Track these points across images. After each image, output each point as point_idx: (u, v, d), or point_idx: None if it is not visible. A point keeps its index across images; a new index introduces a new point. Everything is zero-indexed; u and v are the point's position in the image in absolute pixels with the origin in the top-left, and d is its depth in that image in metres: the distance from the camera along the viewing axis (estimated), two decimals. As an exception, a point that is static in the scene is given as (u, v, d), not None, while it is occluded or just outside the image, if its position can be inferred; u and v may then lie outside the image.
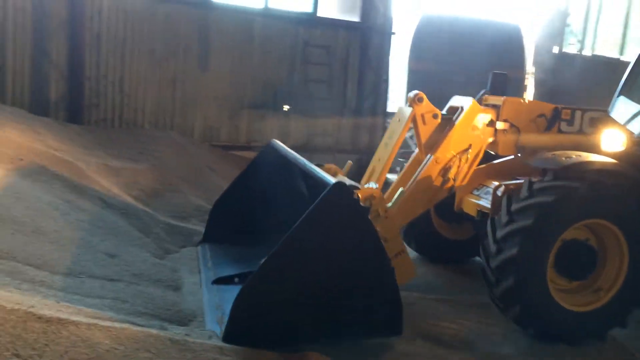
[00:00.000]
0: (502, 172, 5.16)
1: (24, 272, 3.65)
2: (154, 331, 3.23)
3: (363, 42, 10.98)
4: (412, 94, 4.76)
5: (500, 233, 4.17)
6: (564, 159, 4.31)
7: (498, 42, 11.59)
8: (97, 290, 3.80)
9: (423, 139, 4.82)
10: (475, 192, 5.14)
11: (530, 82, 14.06)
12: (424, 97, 4.75)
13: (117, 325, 3.10)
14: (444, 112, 5.01)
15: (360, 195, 3.89)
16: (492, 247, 4.19)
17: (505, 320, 4.49)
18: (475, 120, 4.88)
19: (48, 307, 3.00)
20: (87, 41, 8.87)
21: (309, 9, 10.57)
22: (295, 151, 4.85)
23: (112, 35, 9.11)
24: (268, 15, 10.16)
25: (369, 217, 3.86)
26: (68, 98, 8.91)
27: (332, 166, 5.04)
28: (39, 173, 5.90)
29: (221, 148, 9.94)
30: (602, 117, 5.19)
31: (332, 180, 3.51)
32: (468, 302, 5.10)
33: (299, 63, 10.59)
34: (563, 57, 14.44)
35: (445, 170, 4.73)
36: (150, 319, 3.54)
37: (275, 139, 5.52)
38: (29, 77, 8.67)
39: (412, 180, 4.80)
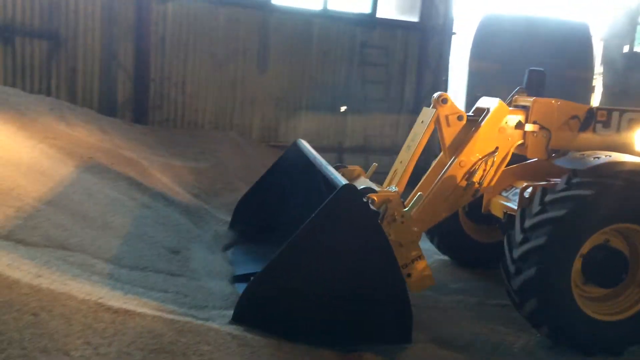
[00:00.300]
0: (533, 173, 4.96)
1: (94, 265, 3.81)
2: (214, 325, 3.31)
3: (422, 42, 10.85)
4: (436, 94, 4.64)
5: (529, 222, 4.01)
6: (592, 159, 4.10)
7: (564, 41, 11.14)
8: (160, 284, 3.92)
9: (447, 142, 4.68)
10: (504, 194, 4.98)
11: (598, 83, 13.46)
12: (449, 98, 4.63)
13: (179, 318, 3.19)
14: (470, 113, 4.86)
15: (375, 199, 3.84)
16: (518, 236, 4.04)
17: (526, 329, 4.30)
18: (502, 122, 4.70)
19: (116, 298, 3.12)
20: (152, 44, 9.19)
21: (367, 10, 10.54)
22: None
23: (176, 38, 9.40)
24: (326, 16, 10.21)
25: (384, 221, 3.84)
26: (134, 99, 9.27)
27: (357, 168, 5.02)
28: (107, 171, 6.17)
29: (278, 148, 10.07)
30: None
31: (343, 182, 3.47)
32: (490, 308, 4.93)
33: (356, 64, 10.58)
34: (633, 56, 13.75)
35: (470, 173, 4.56)
36: (210, 313, 3.62)
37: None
38: (98, 79, 9.07)
39: (434, 184, 4.64)
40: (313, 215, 3.31)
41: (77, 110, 8.14)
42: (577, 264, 4.10)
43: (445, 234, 5.78)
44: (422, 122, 4.74)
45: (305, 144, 5.23)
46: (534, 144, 4.75)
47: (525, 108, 4.80)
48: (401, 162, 4.70)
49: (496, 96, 5.02)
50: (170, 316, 3.16)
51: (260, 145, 9.92)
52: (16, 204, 4.17)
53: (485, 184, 4.65)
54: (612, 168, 4.03)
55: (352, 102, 10.50)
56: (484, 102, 4.90)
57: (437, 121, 4.63)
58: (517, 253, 3.99)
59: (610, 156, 4.13)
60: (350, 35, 10.43)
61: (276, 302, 3.29)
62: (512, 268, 4.02)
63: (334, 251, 3.29)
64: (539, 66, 5.60)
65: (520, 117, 4.75)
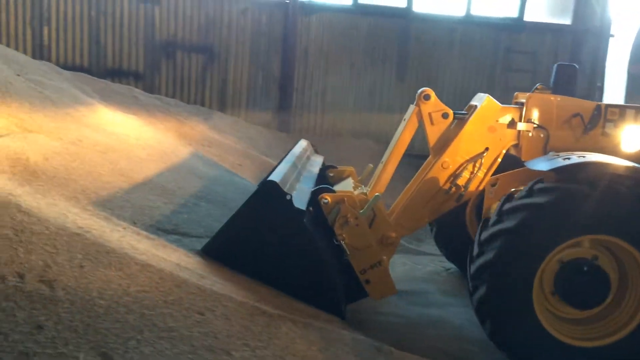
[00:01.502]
0: (539, 177, 4.34)
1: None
2: (361, 337, 3.32)
3: (575, 46, 10.11)
4: (419, 90, 4.26)
5: (484, 234, 3.55)
6: (562, 159, 3.57)
7: None
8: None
9: (431, 141, 4.25)
10: None
11: None
12: (432, 94, 4.21)
13: (328, 327, 3.25)
14: (462, 111, 4.35)
15: (328, 199, 3.75)
16: (475, 250, 3.61)
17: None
18: (492, 121, 4.21)
19: (270, 302, 3.25)
20: (297, 56, 9.57)
21: (514, 13, 10.05)
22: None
23: (318, 48, 9.70)
24: (469, 22, 9.91)
25: (337, 223, 3.72)
26: (278, 108, 9.72)
27: (348, 169, 4.93)
28: (254, 177, 6.52)
29: (415, 157, 9.92)
30: None
31: (272, 178, 3.53)
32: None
33: (499, 70, 10.14)
34: None
35: (455, 177, 4.12)
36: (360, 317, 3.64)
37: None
38: (246, 89, 9.65)
39: (414, 187, 4.26)
40: (242, 204, 3.59)
41: (227, 119, 8.72)
42: (546, 281, 3.57)
43: (450, 240, 5.24)
44: (404, 120, 4.41)
45: (300, 143, 5.47)
46: (530, 145, 4.21)
47: (521, 105, 4.30)
48: (382, 162, 4.41)
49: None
50: (320, 324, 3.22)
51: (397, 154, 9.86)
52: (180, 201, 4.53)
53: (472, 188, 4.19)
54: (586, 170, 3.49)
55: (494, 110, 10.07)
56: (476, 99, 4.43)
57: (420, 119, 4.29)
58: (472, 269, 3.57)
59: (585, 157, 3.59)
60: (494, 40, 10.02)
61: (234, 254, 3.57)
62: (470, 286, 3.61)
63: (261, 238, 3.49)
64: None
65: (511, 115, 4.24)
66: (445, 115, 4.27)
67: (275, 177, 3.63)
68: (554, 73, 4.65)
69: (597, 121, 4.24)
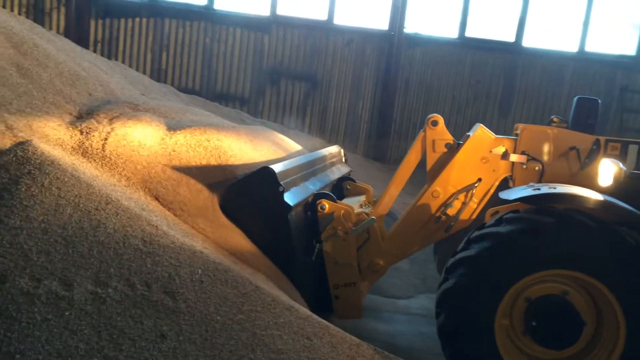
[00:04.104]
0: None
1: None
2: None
3: (700, 87, 9.38)
4: (428, 116, 4.10)
5: (451, 261, 3.37)
6: (532, 190, 3.43)
7: None
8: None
9: (428, 168, 4.05)
10: None
11: None
12: (440, 121, 3.99)
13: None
14: (460, 141, 4.08)
15: (326, 205, 3.70)
16: (442, 275, 3.44)
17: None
18: (486, 151, 4.00)
19: (373, 339, 3.23)
20: (397, 87, 9.60)
21: (631, 51, 9.53)
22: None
23: (419, 80, 9.68)
24: (582, 58, 9.50)
25: (325, 232, 3.70)
26: (376, 137, 9.75)
27: (366, 186, 4.94)
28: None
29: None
30: None
31: (273, 166, 3.51)
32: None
33: (614, 110, 9.59)
34: None
35: (445, 206, 3.91)
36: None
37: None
38: (345, 117, 9.78)
39: (405, 214, 4.07)
40: (236, 180, 3.66)
41: (326, 146, 8.85)
42: (517, 320, 3.33)
43: None
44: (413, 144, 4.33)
45: (330, 148, 5.49)
46: (523, 178, 3.98)
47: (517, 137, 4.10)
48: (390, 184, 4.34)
49: None
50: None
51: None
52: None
53: (463, 218, 3.97)
54: (550, 202, 3.36)
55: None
56: (473, 129, 4.21)
57: (425, 145, 4.13)
58: (437, 294, 3.40)
59: (555, 188, 3.39)
60: (608, 78, 9.52)
61: (231, 211, 3.64)
62: (436, 312, 3.42)
63: (247, 218, 3.57)
64: None
65: (504, 146, 4.00)
66: (447, 145, 4.15)
67: (278, 167, 3.62)
68: (573, 107, 4.45)
69: (595, 156, 4.03)
